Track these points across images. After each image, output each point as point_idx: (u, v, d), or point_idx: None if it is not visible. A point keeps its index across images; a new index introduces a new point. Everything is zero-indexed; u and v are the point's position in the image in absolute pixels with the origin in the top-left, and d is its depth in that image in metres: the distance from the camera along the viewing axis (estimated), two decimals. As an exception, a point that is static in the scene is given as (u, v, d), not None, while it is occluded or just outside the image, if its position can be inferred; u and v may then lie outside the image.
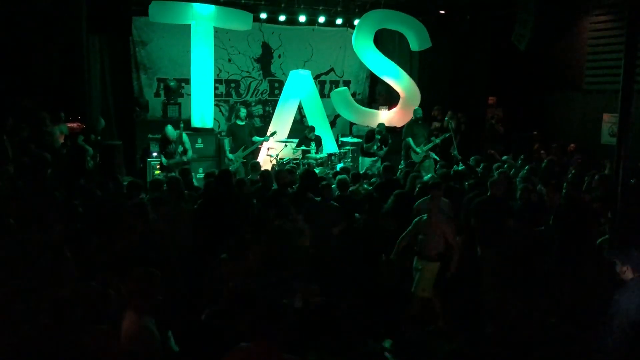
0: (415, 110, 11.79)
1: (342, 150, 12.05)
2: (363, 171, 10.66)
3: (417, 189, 7.60)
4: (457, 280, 6.23)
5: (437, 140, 11.53)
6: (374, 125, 13.02)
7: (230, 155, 10.99)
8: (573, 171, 8.77)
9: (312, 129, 11.63)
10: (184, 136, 10.15)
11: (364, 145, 11.92)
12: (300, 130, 12.14)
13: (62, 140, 9.92)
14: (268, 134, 11.36)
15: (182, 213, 6.48)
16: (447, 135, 11.42)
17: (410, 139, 11.55)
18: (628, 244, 4.90)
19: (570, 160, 10.83)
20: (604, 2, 11.99)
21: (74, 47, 10.54)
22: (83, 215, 6.19)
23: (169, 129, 9.98)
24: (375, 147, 11.67)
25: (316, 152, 11.41)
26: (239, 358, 3.36)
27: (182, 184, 6.99)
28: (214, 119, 12.52)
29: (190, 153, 10.18)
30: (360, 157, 12.04)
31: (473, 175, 8.79)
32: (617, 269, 4.23)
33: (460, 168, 9.72)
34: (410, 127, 11.70)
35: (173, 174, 10.23)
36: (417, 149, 11.43)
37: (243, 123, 11.21)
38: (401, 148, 11.83)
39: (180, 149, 10.03)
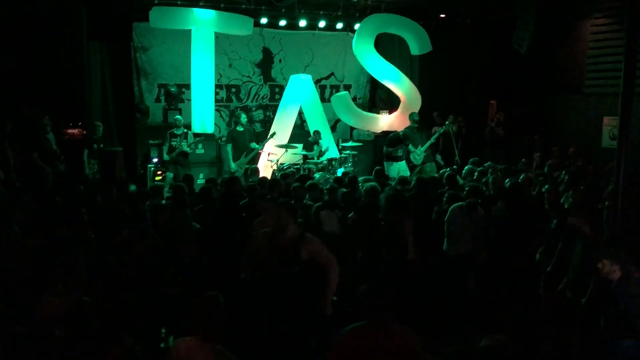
0: (410, 115, 11.76)
1: (342, 155, 12.04)
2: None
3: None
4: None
5: (432, 139, 11.53)
6: (374, 129, 13.06)
7: (233, 165, 11.00)
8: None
9: (318, 133, 11.64)
10: (190, 133, 11.02)
11: (386, 149, 11.65)
12: (301, 135, 12.14)
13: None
14: (268, 136, 11.40)
15: (186, 220, 6.45)
16: (442, 130, 11.43)
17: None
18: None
19: (571, 163, 10.81)
20: (604, 6, 11.98)
21: (75, 53, 10.59)
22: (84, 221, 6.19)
23: (178, 116, 11.22)
24: (400, 151, 11.58)
25: (318, 157, 11.42)
26: (358, 337, 3.56)
27: (186, 192, 6.99)
28: (215, 124, 12.51)
29: (190, 139, 10.97)
30: (386, 163, 11.59)
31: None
32: (602, 268, 4.22)
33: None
34: (408, 132, 11.68)
35: (171, 174, 10.54)
36: (416, 151, 11.43)
37: (243, 129, 11.24)
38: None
39: (184, 142, 10.80)
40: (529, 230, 6.83)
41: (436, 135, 11.60)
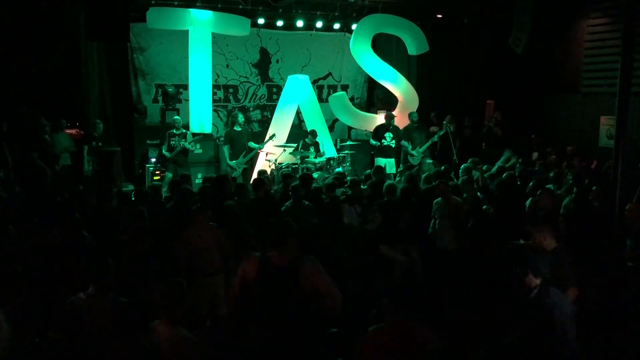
0: (410, 115, 11.82)
1: (340, 155, 12.06)
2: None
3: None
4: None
5: (435, 138, 11.56)
6: (372, 129, 13.05)
7: (231, 163, 10.99)
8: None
9: (314, 133, 11.65)
10: (188, 134, 11.05)
11: (372, 142, 11.95)
12: (299, 135, 12.15)
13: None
14: (267, 137, 11.38)
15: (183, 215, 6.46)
16: (442, 132, 11.46)
17: (405, 142, 11.61)
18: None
19: (570, 162, 10.84)
20: (600, 5, 12.00)
21: (72, 53, 10.55)
22: (81, 221, 6.19)
23: (177, 117, 11.23)
24: (388, 137, 11.70)
25: (315, 157, 11.43)
26: (379, 337, 3.62)
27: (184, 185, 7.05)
28: (213, 124, 12.53)
29: (189, 139, 10.94)
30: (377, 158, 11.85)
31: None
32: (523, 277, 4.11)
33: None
34: (408, 131, 11.75)
35: (170, 174, 10.54)
36: (413, 152, 11.47)
37: (240, 129, 11.23)
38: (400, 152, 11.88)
39: (183, 142, 10.79)
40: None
41: (437, 136, 11.61)
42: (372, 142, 11.96)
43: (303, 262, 4.01)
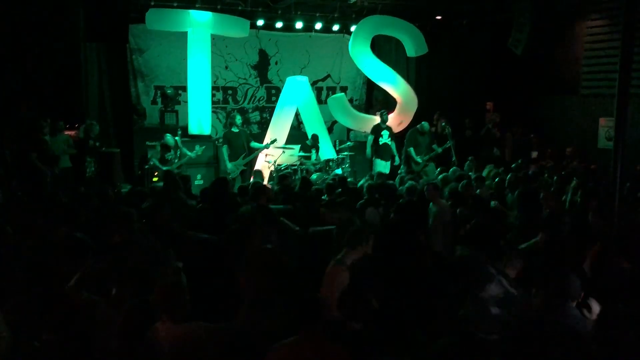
0: (422, 125, 11.72)
1: (339, 156, 12.05)
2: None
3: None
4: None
5: (440, 150, 11.52)
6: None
7: (229, 165, 10.93)
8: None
9: (315, 138, 11.61)
10: (179, 142, 10.77)
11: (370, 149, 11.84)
12: (298, 136, 12.15)
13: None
14: (268, 141, 11.33)
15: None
16: (448, 144, 11.40)
17: (412, 149, 11.56)
18: None
19: (569, 164, 10.85)
20: (600, 7, 12.04)
21: (72, 54, 10.57)
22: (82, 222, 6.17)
23: (168, 137, 10.52)
24: (385, 135, 11.68)
25: (316, 158, 11.42)
26: (288, 352, 3.36)
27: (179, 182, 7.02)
28: (212, 125, 12.52)
29: (187, 154, 10.71)
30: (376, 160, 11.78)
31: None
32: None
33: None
34: (414, 135, 11.68)
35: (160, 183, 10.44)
36: (418, 159, 11.43)
37: (238, 130, 11.16)
38: (401, 153, 11.85)
39: (189, 153, 10.65)
40: None
41: (443, 147, 11.54)
42: (370, 139, 11.79)
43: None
